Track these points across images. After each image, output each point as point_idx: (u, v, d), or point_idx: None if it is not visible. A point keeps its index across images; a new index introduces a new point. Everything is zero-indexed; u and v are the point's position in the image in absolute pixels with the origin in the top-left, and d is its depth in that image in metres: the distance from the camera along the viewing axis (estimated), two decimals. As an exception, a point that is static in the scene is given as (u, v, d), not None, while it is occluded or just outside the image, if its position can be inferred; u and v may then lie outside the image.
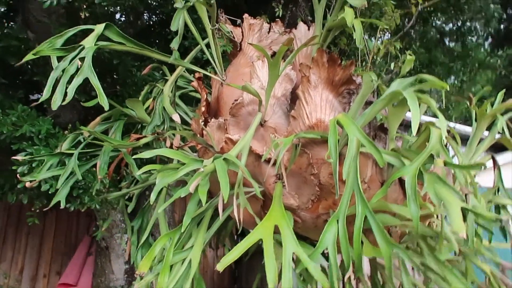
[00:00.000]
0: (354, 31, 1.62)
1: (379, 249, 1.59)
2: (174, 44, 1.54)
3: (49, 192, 2.26)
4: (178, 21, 1.49)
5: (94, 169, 2.59)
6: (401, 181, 1.85)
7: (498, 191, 1.94)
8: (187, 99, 2.88)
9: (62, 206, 1.85)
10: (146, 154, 1.49)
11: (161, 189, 2.20)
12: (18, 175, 1.97)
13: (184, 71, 2.80)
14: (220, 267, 1.16)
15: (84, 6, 2.41)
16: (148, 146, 2.06)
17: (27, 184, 1.85)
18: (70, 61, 1.56)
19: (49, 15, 2.78)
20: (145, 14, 3.43)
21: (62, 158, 1.93)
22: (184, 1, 1.45)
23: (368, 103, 1.69)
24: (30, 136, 2.69)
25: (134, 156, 1.55)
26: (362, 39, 2.27)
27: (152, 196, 1.53)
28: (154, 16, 3.40)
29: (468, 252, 1.78)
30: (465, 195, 1.30)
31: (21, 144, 2.59)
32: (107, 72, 3.19)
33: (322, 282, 1.20)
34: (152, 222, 1.81)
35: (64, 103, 1.42)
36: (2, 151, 2.77)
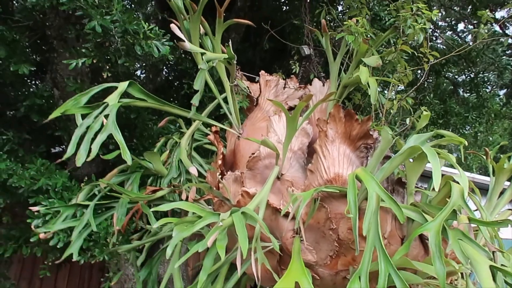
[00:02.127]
0: (369, 88, 1.67)
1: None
2: (195, 101, 1.60)
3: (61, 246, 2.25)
4: (200, 81, 1.55)
5: (105, 221, 2.59)
6: (421, 237, 1.82)
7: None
8: (201, 151, 2.94)
9: (75, 258, 1.83)
10: (164, 207, 1.50)
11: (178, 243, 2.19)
12: (32, 227, 1.96)
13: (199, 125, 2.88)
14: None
15: (107, 66, 2.53)
16: (162, 199, 2.07)
17: (41, 236, 1.85)
18: (94, 118, 1.61)
19: (75, 74, 2.94)
20: (164, 71, 3.59)
21: (76, 210, 1.94)
22: (207, 62, 1.52)
23: (386, 158, 1.71)
24: (47, 189, 2.73)
25: (153, 209, 1.55)
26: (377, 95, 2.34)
27: (168, 250, 1.52)
28: (172, 72, 3.55)
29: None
30: (493, 253, 1.27)
31: (38, 197, 2.62)
32: (124, 125, 3.28)
33: None
34: (167, 277, 1.77)
35: (88, 159, 1.44)
36: (20, 204, 2.80)
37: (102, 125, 1.56)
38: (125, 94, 1.83)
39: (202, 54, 1.68)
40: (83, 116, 1.71)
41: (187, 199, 1.95)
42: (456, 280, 2.27)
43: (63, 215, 1.95)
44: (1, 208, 3.06)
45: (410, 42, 2.30)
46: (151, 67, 3.44)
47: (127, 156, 1.48)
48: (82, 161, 1.52)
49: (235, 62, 1.78)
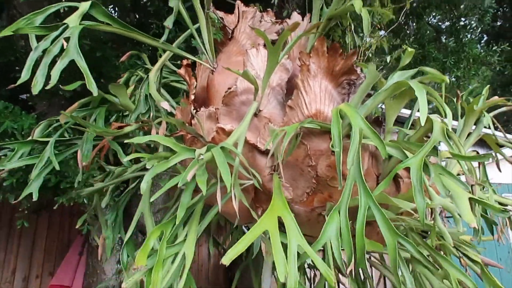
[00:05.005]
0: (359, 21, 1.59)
1: (376, 242, 1.57)
2: (168, 22, 1.44)
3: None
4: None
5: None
6: (394, 175, 1.86)
7: (483, 188, 1.98)
8: (168, 91, 2.78)
9: (35, 198, 1.70)
10: (138, 140, 1.42)
11: (138, 180, 2.10)
12: (-17, 164, 1.79)
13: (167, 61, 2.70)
14: (226, 260, 1.11)
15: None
16: (129, 136, 1.95)
17: (-5, 175, 1.69)
18: (52, 41, 1.42)
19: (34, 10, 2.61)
20: (133, 11, 3.27)
21: (32, 147, 1.78)
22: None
23: (367, 96, 1.67)
24: (13, 133, 2.50)
25: (126, 141, 1.44)
26: (354, 33, 2.27)
27: (143, 185, 1.46)
28: (142, 13, 3.26)
29: (454, 245, 1.81)
30: (471, 186, 1.31)
31: (3, 141, 2.40)
32: (91, 66, 3.02)
33: (328, 275, 1.16)
34: (137, 216, 1.70)
35: (48, 87, 1.29)
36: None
37: (62, 50, 1.38)
38: (88, 17, 1.64)
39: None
40: (39, 39, 1.51)
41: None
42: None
43: (18, 152, 1.80)
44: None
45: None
46: (119, 7, 3.13)
47: (92, 86, 1.35)
48: (39, 88, 1.37)
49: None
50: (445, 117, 1.42)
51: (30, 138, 1.91)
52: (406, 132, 1.74)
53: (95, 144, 1.87)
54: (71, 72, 1.73)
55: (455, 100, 2.14)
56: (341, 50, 1.62)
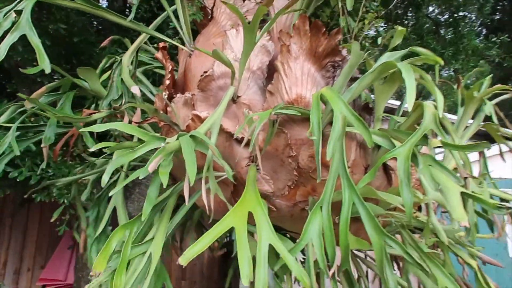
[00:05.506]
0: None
1: (362, 240, 1.44)
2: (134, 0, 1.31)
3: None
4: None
5: (65, 158, 2.30)
6: (385, 167, 1.72)
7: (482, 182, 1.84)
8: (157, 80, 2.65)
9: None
10: (97, 128, 1.28)
11: (120, 173, 1.97)
12: None
13: (149, 46, 2.55)
14: (183, 261, 0.98)
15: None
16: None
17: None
18: (4, 15, 1.29)
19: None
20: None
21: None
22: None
23: (353, 79, 1.53)
24: None
25: (83, 129, 1.31)
26: (347, 15, 2.12)
27: (104, 177, 1.33)
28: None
29: (448, 244, 1.67)
30: (465, 179, 1.16)
31: None
32: (69, 52, 2.87)
33: (302, 279, 1.03)
34: (110, 210, 1.58)
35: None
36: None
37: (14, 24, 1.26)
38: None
39: None
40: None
41: (130, 124, 1.71)
42: (415, 213, 2.25)
43: (-20, 139, 1.67)
44: None
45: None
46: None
47: (45, 62, 1.22)
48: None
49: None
50: (437, 102, 1.28)
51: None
52: (396, 119, 1.60)
53: (65, 132, 1.74)
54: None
55: (455, 87, 1.99)
56: (324, 29, 1.47)
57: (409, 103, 1.19)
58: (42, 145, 1.63)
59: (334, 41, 1.49)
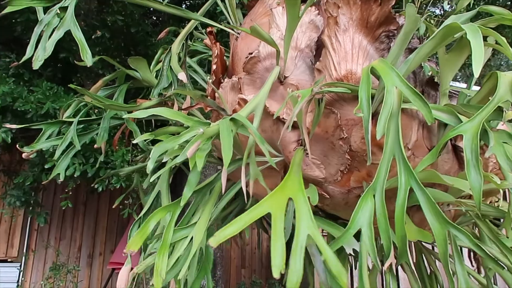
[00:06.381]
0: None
1: (425, 231, 1.28)
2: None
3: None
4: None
5: (121, 147, 2.42)
6: (456, 149, 1.51)
7: None
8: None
9: (62, 179, 1.68)
10: (140, 114, 1.27)
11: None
12: (17, 146, 1.81)
13: (204, 35, 2.55)
14: (214, 242, 0.92)
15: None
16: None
17: (24, 155, 1.69)
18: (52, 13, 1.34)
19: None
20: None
21: (61, 127, 1.75)
22: None
23: (413, 50, 1.35)
24: (55, 114, 2.59)
25: (126, 116, 1.31)
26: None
27: (149, 165, 1.30)
28: None
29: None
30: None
31: (46, 122, 2.49)
32: (129, 44, 3.01)
33: (339, 277, 0.92)
34: (154, 195, 1.59)
35: (41, 59, 1.22)
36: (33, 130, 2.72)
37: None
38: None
39: None
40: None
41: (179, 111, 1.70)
42: (497, 201, 1.97)
43: (46, 133, 1.78)
44: (13, 133, 2.99)
45: None
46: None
47: (87, 55, 1.22)
48: (40, 64, 1.30)
49: None
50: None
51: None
52: (467, 93, 1.39)
53: (118, 124, 1.80)
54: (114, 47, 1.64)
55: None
56: (376, -5, 1.31)
57: (475, 69, 1.00)
58: (95, 146, 1.70)
59: (388, 7, 1.32)
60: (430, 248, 2.19)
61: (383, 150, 1.15)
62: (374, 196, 1.13)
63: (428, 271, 2.14)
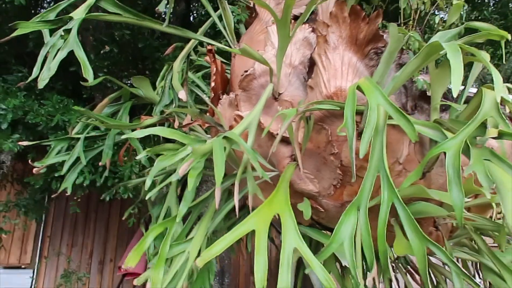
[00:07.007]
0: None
1: (410, 244, 1.29)
2: (161, 7, 1.34)
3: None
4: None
5: (125, 158, 2.50)
6: (449, 162, 1.51)
7: None
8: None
9: (69, 192, 1.75)
10: (138, 134, 1.32)
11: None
12: (29, 161, 1.90)
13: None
14: (200, 262, 0.95)
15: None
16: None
17: (34, 170, 1.77)
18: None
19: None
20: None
21: (69, 143, 1.83)
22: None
23: (402, 66, 1.37)
24: (64, 126, 2.69)
25: (124, 136, 1.37)
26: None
27: (147, 182, 1.35)
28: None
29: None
30: (528, 176, 0.96)
31: (56, 134, 2.59)
32: (135, 58, 3.10)
33: (328, 285, 0.95)
34: (165, 210, 1.65)
35: (46, 79, 1.28)
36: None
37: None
38: (98, 9, 1.61)
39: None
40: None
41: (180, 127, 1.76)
42: (500, 213, 1.96)
43: (56, 148, 1.86)
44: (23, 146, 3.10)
45: None
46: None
47: (88, 73, 1.29)
48: (44, 83, 1.37)
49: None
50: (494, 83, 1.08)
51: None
52: (457, 107, 1.40)
53: (123, 140, 1.87)
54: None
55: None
56: (363, 14, 1.34)
57: (454, 88, 1.01)
58: (100, 163, 1.77)
59: (375, 25, 1.35)
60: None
61: (368, 166, 1.18)
62: (358, 209, 1.16)
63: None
